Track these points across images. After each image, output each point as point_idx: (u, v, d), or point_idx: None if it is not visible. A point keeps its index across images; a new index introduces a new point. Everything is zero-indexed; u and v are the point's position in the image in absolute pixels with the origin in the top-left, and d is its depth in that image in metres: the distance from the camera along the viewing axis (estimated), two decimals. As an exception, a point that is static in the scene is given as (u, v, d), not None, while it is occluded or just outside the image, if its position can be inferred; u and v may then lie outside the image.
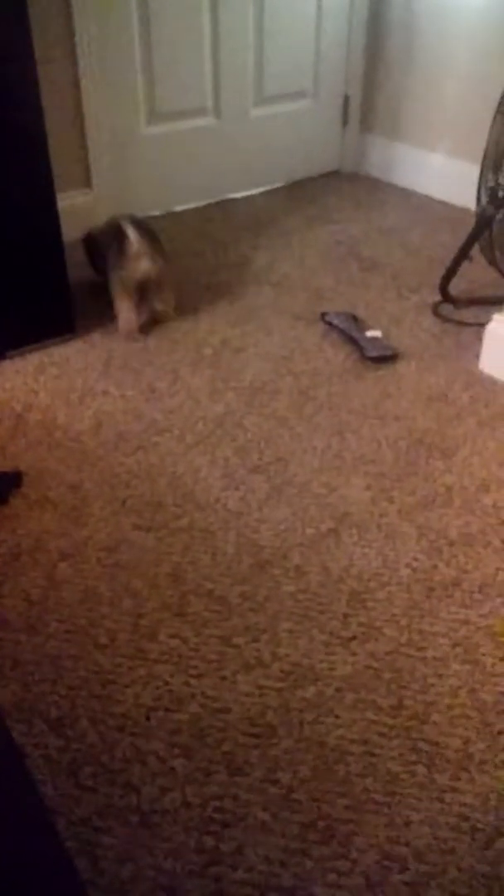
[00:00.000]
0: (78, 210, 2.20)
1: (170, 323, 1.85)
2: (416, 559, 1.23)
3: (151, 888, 0.85)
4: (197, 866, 0.87)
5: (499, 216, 1.71)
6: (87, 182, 2.23)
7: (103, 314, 1.86)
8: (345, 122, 2.64)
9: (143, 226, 1.72)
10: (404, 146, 2.57)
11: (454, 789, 0.94)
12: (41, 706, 1.02)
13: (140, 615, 1.14)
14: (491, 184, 1.70)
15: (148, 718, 1.01)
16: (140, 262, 1.69)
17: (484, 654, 1.09)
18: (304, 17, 2.40)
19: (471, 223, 1.78)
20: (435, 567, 1.22)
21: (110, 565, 1.22)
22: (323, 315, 1.85)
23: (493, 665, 1.08)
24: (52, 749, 0.97)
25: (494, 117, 1.69)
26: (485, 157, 1.72)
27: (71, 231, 2.16)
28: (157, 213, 2.41)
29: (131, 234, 1.67)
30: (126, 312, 1.75)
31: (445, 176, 2.41)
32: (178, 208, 2.45)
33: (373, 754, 0.98)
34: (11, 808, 0.60)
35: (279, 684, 1.05)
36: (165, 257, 1.76)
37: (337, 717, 1.02)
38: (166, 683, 1.05)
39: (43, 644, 1.10)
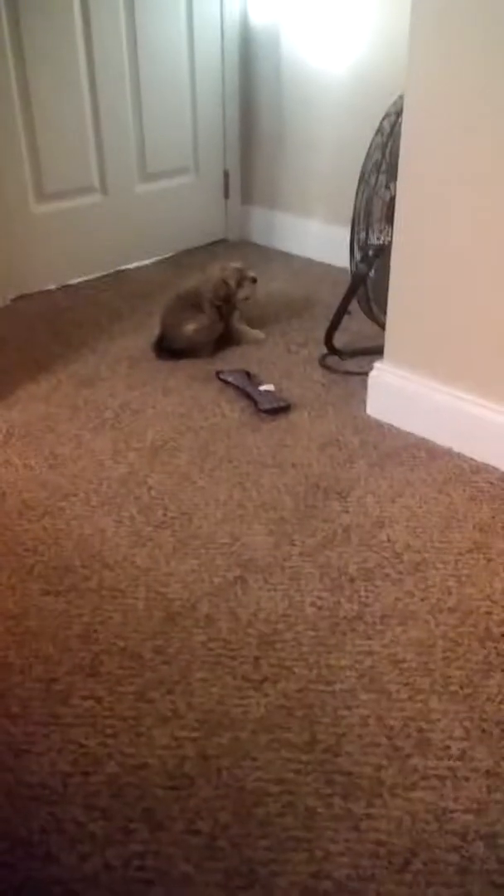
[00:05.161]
0: (-29, 286, 2.23)
1: (69, 390, 1.88)
2: (319, 597, 1.29)
3: None
4: (122, 928, 0.86)
5: (371, 274, 1.85)
6: (-22, 260, 2.26)
7: (1, 386, 1.87)
8: (226, 195, 2.80)
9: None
10: (283, 215, 2.74)
11: (369, 816, 0.97)
12: (-49, 785, 0.99)
13: (52, 680, 1.13)
14: (360, 244, 1.85)
15: (65, 785, 1.00)
16: None
17: (389, 682, 1.14)
18: (180, 100, 2.56)
19: (348, 281, 1.91)
20: (338, 603, 1.27)
21: (19, 633, 1.21)
22: (218, 373, 1.93)
23: (398, 691, 1.13)
24: (-36, 828, 0.95)
25: (358, 187, 1.85)
26: (353, 220, 1.87)
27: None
28: (52, 286, 2.46)
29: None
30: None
31: (322, 240, 2.59)
32: (73, 281, 2.50)
33: (290, 792, 1.00)
34: None
35: (195, 734, 1.06)
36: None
37: (254, 759, 1.03)
38: (82, 746, 1.04)
39: (-49, 721, 1.07)
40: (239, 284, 2.04)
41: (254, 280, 2.07)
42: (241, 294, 2.04)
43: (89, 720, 1.08)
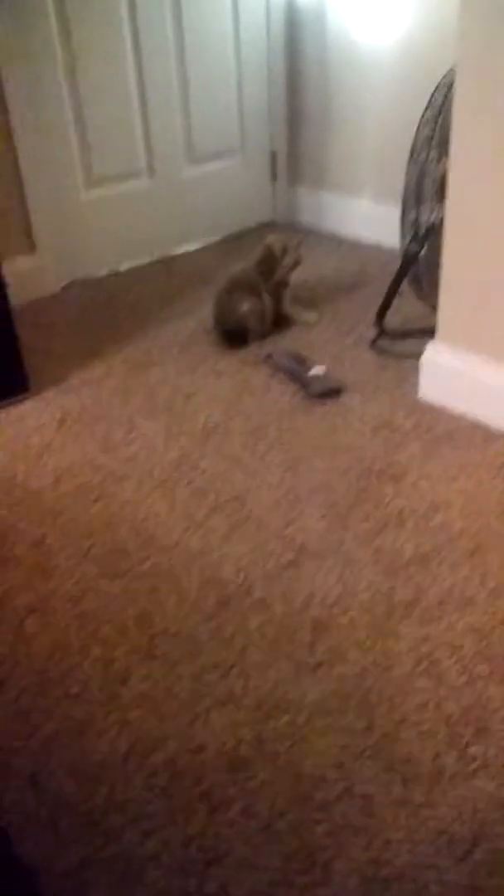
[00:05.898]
0: (24, 274, 2.25)
1: (121, 375, 1.89)
2: (374, 582, 1.27)
3: (139, 935, 0.85)
4: (182, 907, 0.87)
5: (422, 252, 1.81)
6: (31, 247, 2.29)
7: (55, 372, 1.90)
8: (274, 176, 2.77)
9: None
10: (331, 195, 2.70)
11: (429, 804, 0.96)
12: (16, 763, 1.02)
13: (110, 661, 1.15)
14: (411, 223, 1.81)
15: (124, 764, 1.01)
16: None
17: (446, 669, 1.12)
18: (225, 81, 2.53)
19: (399, 261, 1.87)
20: (393, 588, 1.26)
21: (78, 615, 1.23)
22: (268, 356, 1.91)
23: (457, 678, 1.11)
24: (29, 805, 0.97)
25: (409, 162, 1.80)
26: (404, 198, 1.83)
27: (19, 294, 2.21)
28: (103, 272, 2.47)
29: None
30: None
31: (372, 219, 2.54)
32: (124, 266, 2.51)
33: (348, 778, 0.99)
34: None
35: (252, 717, 1.07)
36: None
37: (310, 743, 1.03)
38: (141, 727, 1.06)
39: (14, 700, 1.10)
40: (284, 251, 2.01)
41: (299, 244, 2.04)
42: (287, 260, 2.01)
43: (147, 701, 1.09)
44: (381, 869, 0.90)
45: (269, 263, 2.00)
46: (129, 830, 0.94)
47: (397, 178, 1.87)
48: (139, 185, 2.47)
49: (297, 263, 2.05)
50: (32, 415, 1.74)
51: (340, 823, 0.95)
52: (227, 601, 1.25)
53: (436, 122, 1.76)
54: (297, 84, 2.64)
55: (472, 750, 1.02)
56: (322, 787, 0.98)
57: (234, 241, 2.68)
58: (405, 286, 1.92)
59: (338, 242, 2.64)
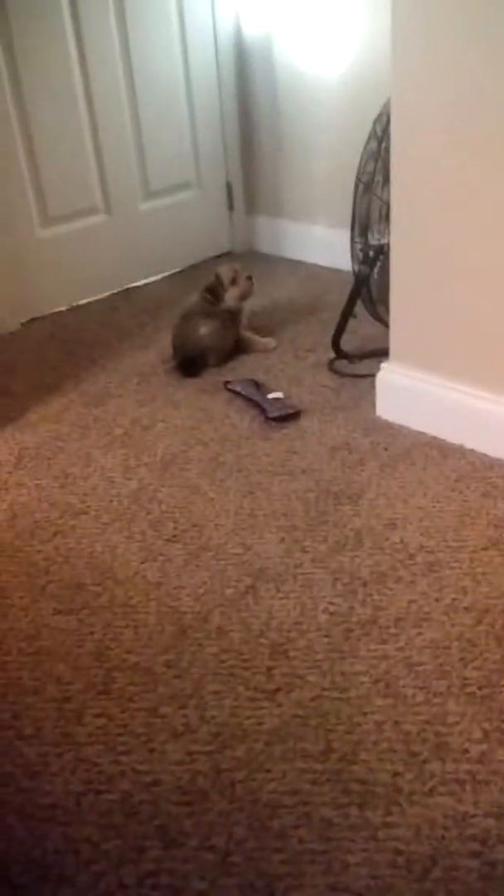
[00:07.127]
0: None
1: (79, 409, 1.89)
2: (332, 603, 1.27)
3: None
4: None
5: (373, 275, 1.84)
6: (-12, 286, 2.30)
7: (13, 410, 1.89)
8: (230, 206, 2.80)
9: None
10: (287, 222, 2.74)
11: (387, 825, 0.95)
12: (-33, 809, 0.99)
13: (65, 699, 1.13)
14: (360, 246, 1.84)
15: (78, 804, 1.00)
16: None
17: (404, 686, 1.12)
18: (178, 114, 2.57)
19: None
20: (351, 608, 1.25)
21: (32, 653, 1.21)
22: (226, 384, 1.92)
23: (414, 695, 1.10)
24: (-20, 852, 0.95)
25: (355, 190, 1.84)
26: (353, 224, 1.86)
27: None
28: (62, 307, 2.48)
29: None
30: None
31: (327, 245, 2.57)
32: (83, 301, 2.53)
33: (306, 803, 0.98)
34: None
35: (208, 747, 1.05)
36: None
37: (268, 771, 1.02)
38: (95, 765, 1.04)
39: (-34, 745, 1.08)
40: (233, 282, 2.04)
41: (249, 278, 2.07)
42: (236, 291, 2.04)
43: (102, 738, 1.07)
44: (339, 894, 0.89)
45: (215, 290, 2.02)
46: (82, 873, 0.92)
47: (349, 204, 1.91)
48: (96, 222, 2.50)
49: (246, 294, 2.07)
50: (-10, 454, 1.74)
51: (298, 850, 0.93)
52: (185, 631, 1.24)
53: (378, 151, 1.80)
54: (250, 115, 2.69)
55: (431, 767, 1.01)
56: (279, 815, 0.97)
57: (193, 272, 2.70)
58: (361, 308, 1.94)
59: (296, 268, 2.67)
